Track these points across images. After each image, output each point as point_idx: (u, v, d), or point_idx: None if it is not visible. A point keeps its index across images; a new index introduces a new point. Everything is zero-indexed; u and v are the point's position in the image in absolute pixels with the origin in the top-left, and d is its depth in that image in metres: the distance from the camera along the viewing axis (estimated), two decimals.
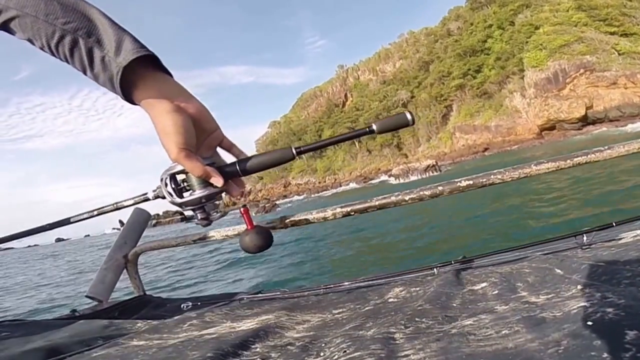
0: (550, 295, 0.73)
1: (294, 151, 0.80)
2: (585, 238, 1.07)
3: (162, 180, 0.78)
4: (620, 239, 1.00)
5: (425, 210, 13.25)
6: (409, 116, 0.79)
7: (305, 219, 1.16)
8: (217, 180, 0.75)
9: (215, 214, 0.84)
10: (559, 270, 0.84)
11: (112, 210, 1.25)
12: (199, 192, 0.77)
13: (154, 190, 0.84)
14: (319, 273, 8.52)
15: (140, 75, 0.67)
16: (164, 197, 0.80)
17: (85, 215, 1.34)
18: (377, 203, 1.12)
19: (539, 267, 0.89)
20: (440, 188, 1.09)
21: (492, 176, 1.07)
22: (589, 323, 0.54)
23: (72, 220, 1.36)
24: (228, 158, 0.85)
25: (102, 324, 1.10)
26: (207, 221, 0.83)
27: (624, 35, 65.53)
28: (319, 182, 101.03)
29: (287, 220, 1.17)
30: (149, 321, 1.11)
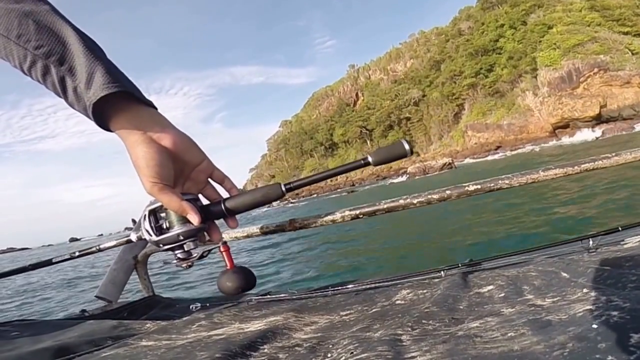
0: (556, 299, 0.73)
1: (283, 188, 0.76)
2: (591, 242, 1.06)
3: (141, 217, 0.73)
4: (626, 243, 1.00)
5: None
6: (406, 146, 0.74)
7: (314, 222, 1.17)
8: (193, 217, 0.70)
9: (195, 254, 0.77)
10: (565, 274, 0.84)
11: (94, 252, 1.26)
12: (176, 229, 0.71)
13: (136, 232, 0.78)
14: (327, 274, 8.48)
15: (113, 106, 0.64)
16: (146, 239, 0.74)
17: (67, 256, 1.38)
18: (385, 206, 1.13)
19: (545, 271, 0.90)
20: (448, 192, 1.10)
21: (499, 181, 1.06)
22: (594, 326, 0.55)
23: (54, 260, 1.41)
24: (223, 192, 0.80)
25: (111, 324, 1.12)
26: (187, 261, 0.77)
27: (637, 35, 65.62)
28: (331, 180, 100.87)
29: (297, 223, 1.18)
30: (157, 322, 1.12)
